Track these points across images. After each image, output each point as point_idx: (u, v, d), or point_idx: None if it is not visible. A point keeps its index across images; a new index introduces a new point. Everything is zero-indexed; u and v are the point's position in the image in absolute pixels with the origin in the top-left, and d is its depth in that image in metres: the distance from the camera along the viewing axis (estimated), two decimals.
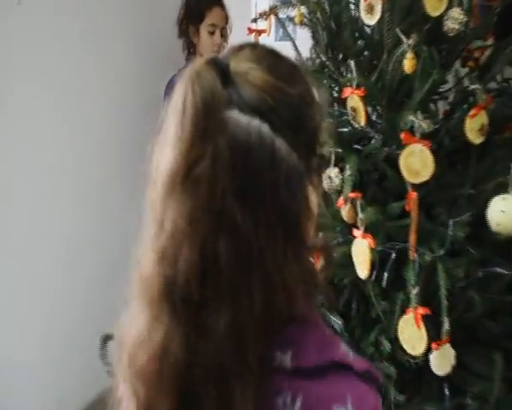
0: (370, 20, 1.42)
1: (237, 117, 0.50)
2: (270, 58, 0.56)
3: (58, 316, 1.82)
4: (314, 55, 2.00)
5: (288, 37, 2.04)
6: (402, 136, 1.18)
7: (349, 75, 1.50)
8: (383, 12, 1.39)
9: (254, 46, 0.59)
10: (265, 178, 0.49)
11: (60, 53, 1.75)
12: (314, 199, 0.56)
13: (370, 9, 1.39)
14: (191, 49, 2.11)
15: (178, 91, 0.52)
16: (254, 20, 2.18)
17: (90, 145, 1.91)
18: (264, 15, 2.05)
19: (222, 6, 2.07)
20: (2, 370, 1.59)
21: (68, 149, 1.82)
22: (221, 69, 0.52)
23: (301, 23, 1.76)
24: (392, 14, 1.39)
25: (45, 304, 1.76)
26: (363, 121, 1.31)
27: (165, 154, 0.51)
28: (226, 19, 2.07)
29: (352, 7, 1.78)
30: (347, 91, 1.33)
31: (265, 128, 0.50)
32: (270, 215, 0.49)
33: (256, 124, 0.50)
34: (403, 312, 1.23)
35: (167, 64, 2.12)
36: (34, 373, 1.71)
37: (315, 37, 1.85)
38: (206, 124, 0.48)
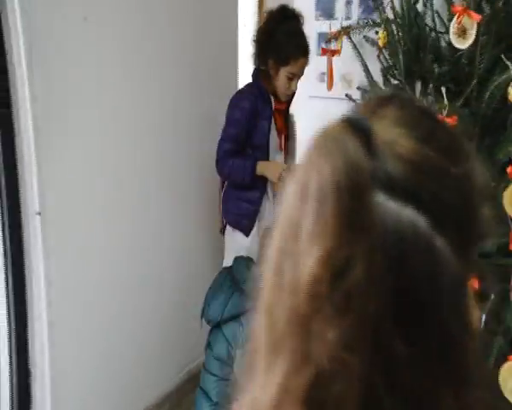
0: (462, 44, 1.36)
1: (385, 204, 0.36)
2: (425, 122, 0.42)
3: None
4: (385, 78, 1.95)
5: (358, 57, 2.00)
6: (508, 170, 1.11)
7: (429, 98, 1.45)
8: (478, 35, 1.33)
9: (402, 102, 0.44)
10: (425, 293, 0.36)
11: (125, 64, 1.84)
12: (476, 313, 0.42)
13: (463, 33, 1.33)
14: (263, 76, 2.05)
15: (308, 166, 0.37)
16: (328, 41, 2.14)
17: (158, 150, 2.08)
18: (336, 36, 2.01)
19: (307, 57, 2.00)
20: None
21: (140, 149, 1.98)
22: (364, 135, 0.37)
23: (384, 46, 1.71)
24: (488, 37, 1.33)
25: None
26: None
27: (296, 255, 0.37)
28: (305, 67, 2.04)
29: (430, 28, 1.72)
30: None
31: (422, 222, 0.37)
32: (430, 344, 0.37)
33: (409, 215, 0.37)
34: (498, 359, 1.15)
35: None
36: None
37: (391, 59, 1.80)
38: (353, 212, 0.35)
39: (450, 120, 1.28)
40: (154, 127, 2.02)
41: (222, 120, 2.08)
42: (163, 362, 2.22)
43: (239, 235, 2.15)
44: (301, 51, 1.96)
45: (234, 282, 1.76)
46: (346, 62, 3.09)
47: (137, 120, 1.92)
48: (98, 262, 1.81)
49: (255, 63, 2.09)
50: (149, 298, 2.09)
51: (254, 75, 2.10)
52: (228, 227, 2.20)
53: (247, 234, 2.13)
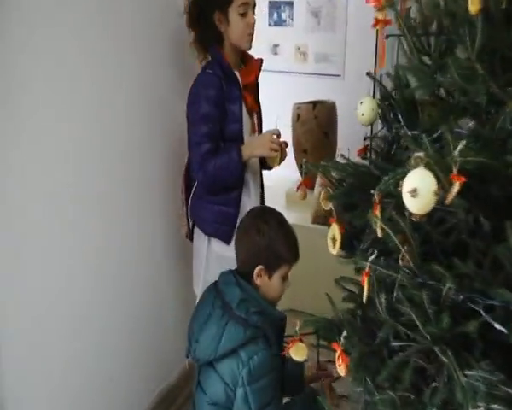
0: None
1: None
2: None
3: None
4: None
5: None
6: None
7: None
8: None
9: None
10: None
11: (80, 55, 1.64)
12: None
13: None
14: (217, 39, 1.83)
15: None
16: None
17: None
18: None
19: None
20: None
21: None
22: None
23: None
24: None
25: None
26: None
27: None
28: None
29: None
30: None
31: None
32: None
33: None
34: None
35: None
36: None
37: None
38: None
39: None
40: (112, 128, 1.83)
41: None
42: (131, 386, 2.05)
43: (216, 243, 1.94)
44: None
45: (224, 308, 1.45)
46: (298, 33, 3.38)
47: (98, 119, 1.74)
48: (57, 273, 1.63)
49: (197, 41, 1.89)
50: (112, 313, 1.89)
51: (212, 52, 1.85)
52: (200, 233, 1.98)
53: (227, 242, 1.90)
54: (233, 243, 1.72)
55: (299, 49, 3.27)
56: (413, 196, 0.86)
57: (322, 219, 2.83)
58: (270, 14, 3.27)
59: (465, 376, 0.92)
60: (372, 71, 2.98)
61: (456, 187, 0.85)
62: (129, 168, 1.93)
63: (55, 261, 1.64)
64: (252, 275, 1.51)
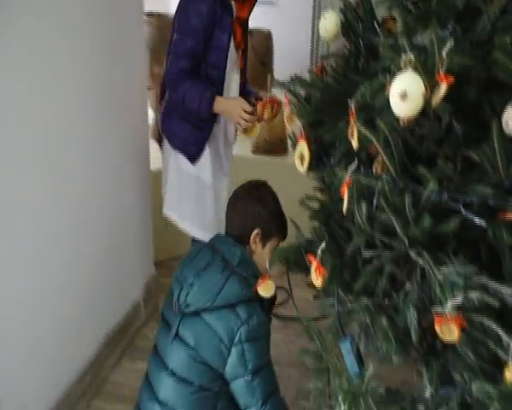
0: None
1: None
2: None
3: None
4: None
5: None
6: None
7: None
8: None
9: None
10: None
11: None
12: None
13: None
14: None
15: None
16: None
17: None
18: None
19: None
20: None
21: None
22: None
23: None
24: None
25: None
26: None
27: None
28: None
29: None
30: None
31: None
32: None
33: None
34: None
35: None
36: None
37: None
38: None
39: None
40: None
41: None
42: (80, 328, 2.03)
43: (183, 158, 2.01)
44: None
45: (225, 263, 1.46)
46: None
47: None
48: (16, 205, 1.59)
49: None
50: (56, 245, 1.81)
51: None
52: (168, 151, 2.05)
53: (193, 162, 1.98)
54: (199, 162, 1.85)
55: None
56: (403, 99, 0.87)
57: (262, 149, 2.83)
58: None
59: (441, 273, 0.98)
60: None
61: (443, 88, 0.87)
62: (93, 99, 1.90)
63: (17, 191, 1.58)
64: (247, 240, 1.55)
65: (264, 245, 1.57)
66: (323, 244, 1.16)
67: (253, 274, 1.49)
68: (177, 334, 1.47)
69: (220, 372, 1.44)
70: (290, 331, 1.56)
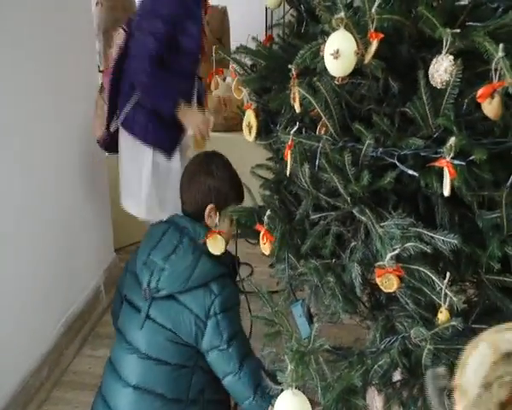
0: None
1: None
2: None
3: None
4: None
5: None
6: None
7: None
8: None
9: None
10: None
11: None
12: None
13: None
14: None
15: None
16: None
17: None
18: None
19: None
20: None
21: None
22: None
23: None
24: None
25: None
26: None
27: None
28: None
29: None
30: None
31: None
32: None
33: None
34: None
35: None
36: None
37: None
38: None
39: None
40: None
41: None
42: (36, 317, 2.00)
43: (155, 159, 2.05)
44: None
45: (194, 242, 1.49)
46: None
47: None
48: None
49: None
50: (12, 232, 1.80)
51: None
52: (137, 149, 2.03)
53: (168, 156, 2.04)
54: (176, 155, 1.92)
55: None
56: (335, 58, 0.92)
57: (221, 126, 2.87)
58: None
59: (382, 227, 1.05)
60: None
61: (374, 45, 0.92)
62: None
63: None
64: (202, 217, 1.55)
65: (220, 216, 1.57)
66: (269, 211, 1.20)
67: None
68: (148, 317, 1.48)
69: (196, 348, 1.49)
70: (253, 306, 1.61)
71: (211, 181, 1.54)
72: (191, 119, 1.94)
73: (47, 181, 2.00)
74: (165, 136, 1.99)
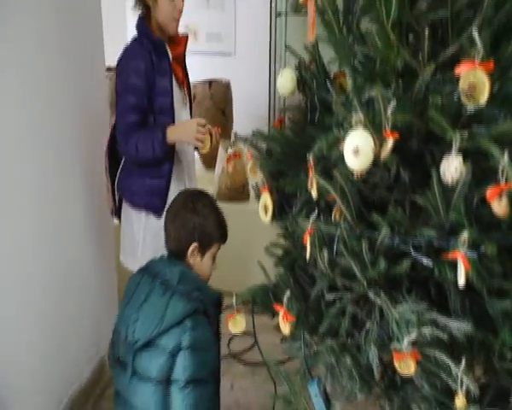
0: None
1: None
2: None
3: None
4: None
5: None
6: None
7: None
8: None
9: None
10: None
11: None
12: None
13: None
14: (148, 23, 1.91)
15: None
16: None
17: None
18: None
19: None
20: None
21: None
22: None
23: None
24: None
25: None
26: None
27: None
28: None
29: None
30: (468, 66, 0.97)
31: None
32: None
33: None
34: None
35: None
36: None
37: None
38: None
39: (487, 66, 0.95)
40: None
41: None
42: (33, 402, 1.93)
43: (148, 218, 2.05)
44: None
45: (166, 285, 1.49)
46: (187, 12, 3.42)
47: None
48: None
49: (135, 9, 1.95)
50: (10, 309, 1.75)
51: (139, 25, 1.91)
52: (130, 210, 2.06)
53: (158, 215, 2.01)
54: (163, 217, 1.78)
55: (188, 27, 3.34)
56: (355, 155, 1.01)
57: (224, 196, 2.95)
58: None
59: (397, 311, 1.11)
60: (265, 48, 3.17)
61: (390, 143, 1.02)
62: (48, 154, 1.91)
63: None
64: (185, 255, 1.56)
65: (203, 255, 1.58)
66: (288, 292, 1.26)
67: (196, 287, 1.50)
68: (134, 371, 1.49)
69: None
70: (257, 378, 1.63)
71: (196, 219, 1.55)
72: (184, 131, 1.91)
73: (53, 245, 2.02)
74: (151, 197, 2.01)
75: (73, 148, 2.09)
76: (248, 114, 2.47)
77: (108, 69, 2.56)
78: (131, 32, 1.98)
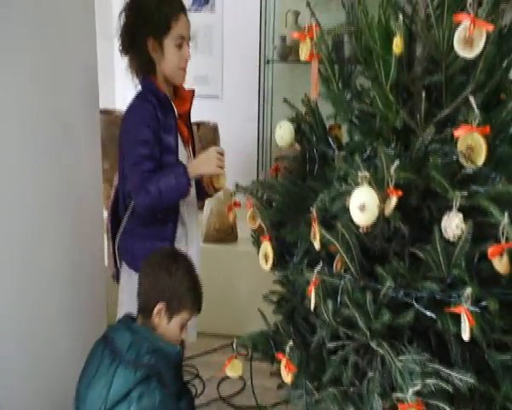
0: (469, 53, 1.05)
1: None
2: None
3: None
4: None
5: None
6: None
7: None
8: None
9: None
10: None
11: None
12: None
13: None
14: (150, 68, 1.84)
15: None
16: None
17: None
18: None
19: (186, 13, 1.82)
20: None
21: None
22: None
23: None
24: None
25: None
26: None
27: None
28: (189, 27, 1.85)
29: None
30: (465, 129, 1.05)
31: None
32: None
33: None
34: None
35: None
36: None
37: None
38: None
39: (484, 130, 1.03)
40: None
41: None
42: None
43: None
44: (178, 7, 1.80)
45: (114, 355, 1.43)
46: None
47: None
48: None
49: (131, 65, 1.88)
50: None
51: (144, 82, 1.85)
52: (130, 273, 1.89)
53: None
54: None
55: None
56: (361, 211, 1.06)
57: (213, 237, 2.98)
58: None
59: (400, 361, 1.15)
60: (252, 91, 3.26)
61: (394, 200, 1.07)
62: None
63: None
64: (150, 312, 1.51)
65: (170, 319, 1.52)
66: (291, 342, 1.29)
67: (151, 349, 1.44)
68: None
69: None
70: None
71: (168, 279, 1.50)
72: (204, 161, 1.79)
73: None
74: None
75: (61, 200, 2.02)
76: (236, 157, 2.52)
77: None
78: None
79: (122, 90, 3.26)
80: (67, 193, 2.05)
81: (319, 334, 1.35)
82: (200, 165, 1.79)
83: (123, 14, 1.82)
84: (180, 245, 1.88)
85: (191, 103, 1.95)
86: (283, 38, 2.83)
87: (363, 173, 1.08)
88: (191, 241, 1.95)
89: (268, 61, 2.85)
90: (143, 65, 1.83)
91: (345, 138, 1.51)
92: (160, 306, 1.49)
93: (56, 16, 1.91)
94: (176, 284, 1.51)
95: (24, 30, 1.73)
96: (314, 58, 1.33)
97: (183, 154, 1.88)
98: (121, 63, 1.92)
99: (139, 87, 1.88)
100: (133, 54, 1.84)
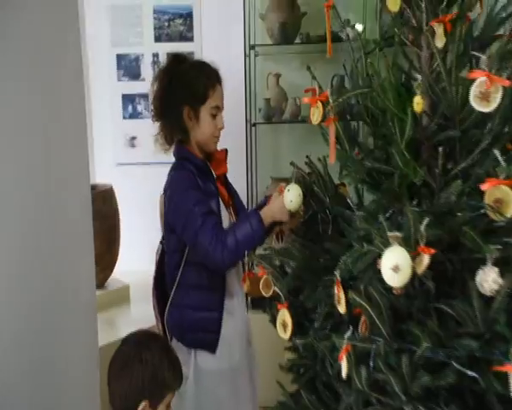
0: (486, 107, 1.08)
1: None
2: None
3: None
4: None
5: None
6: None
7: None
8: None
9: None
10: None
11: None
12: None
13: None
14: (183, 135, 1.85)
15: None
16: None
17: None
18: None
19: (221, 83, 1.86)
20: None
21: None
22: None
23: None
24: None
25: None
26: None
27: None
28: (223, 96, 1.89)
29: None
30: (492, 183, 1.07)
31: None
32: None
33: None
34: None
35: None
36: None
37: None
38: None
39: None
40: None
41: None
42: None
43: (201, 358, 1.81)
44: (215, 77, 1.84)
45: None
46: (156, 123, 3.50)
47: None
48: None
49: (165, 133, 1.87)
50: None
51: (179, 151, 1.85)
52: (180, 348, 1.80)
53: (213, 350, 1.79)
54: (219, 352, 1.73)
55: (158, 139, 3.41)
56: (395, 272, 1.05)
57: None
58: (125, 107, 3.36)
59: None
60: (239, 153, 3.28)
61: (426, 259, 1.06)
62: None
63: None
64: None
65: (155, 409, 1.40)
66: None
67: None
68: None
69: None
70: None
71: (145, 371, 1.37)
72: (277, 208, 1.70)
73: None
74: (204, 333, 1.81)
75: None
76: None
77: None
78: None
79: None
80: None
81: (346, 401, 1.30)
82: (274, 212, 1.70)
83: (157, 81, 1.84)
84: (227, 315, 1.82)
85: (226, 161, 1.93)
86: (268, 100, 2.89)
87: (394, 234, 1.07)
88: (238, 310, 1.88)
89: (254, 125, 2.90)
90: (176, 132, 1.84)
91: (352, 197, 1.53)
92: (142, 405, 1.36)
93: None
94: (154, 371, 1.38)
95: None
96: (331, 123, 1.34)
97: (225, 216, 1.84)
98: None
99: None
100: (167, 120, 1.85)
